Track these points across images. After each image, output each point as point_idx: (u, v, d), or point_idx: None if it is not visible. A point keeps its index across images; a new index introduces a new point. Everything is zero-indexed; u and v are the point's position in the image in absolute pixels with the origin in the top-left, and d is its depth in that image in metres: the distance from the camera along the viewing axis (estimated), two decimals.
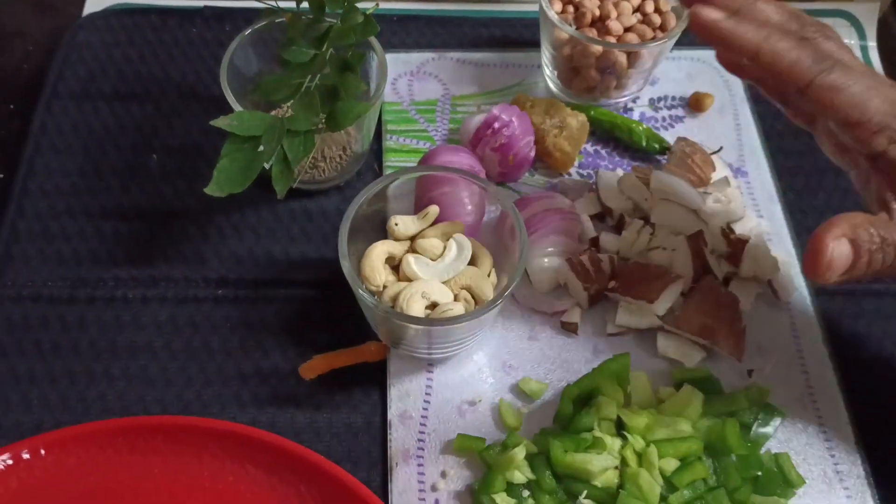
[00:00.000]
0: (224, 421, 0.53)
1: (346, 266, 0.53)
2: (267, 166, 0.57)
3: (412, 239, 0.59)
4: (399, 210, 0.60)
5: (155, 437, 0.52)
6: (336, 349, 0.59)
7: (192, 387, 0.59)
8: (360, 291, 0.53)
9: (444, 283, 0.56)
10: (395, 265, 0.58)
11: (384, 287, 0.56)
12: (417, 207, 0.61)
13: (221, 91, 0.61)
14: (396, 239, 0.58)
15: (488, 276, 0.58)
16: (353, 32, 0.60)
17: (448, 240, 0.58)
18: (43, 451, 0.51)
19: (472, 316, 0.53)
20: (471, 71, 0.76)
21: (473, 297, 0.57)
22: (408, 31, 0.78)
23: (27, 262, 0.63)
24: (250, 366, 0.60)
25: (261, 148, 0.57)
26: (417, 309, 0.54)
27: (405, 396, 0.58)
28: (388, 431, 0.57)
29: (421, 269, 0.56)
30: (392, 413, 0.58)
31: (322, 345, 0.60)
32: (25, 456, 0.51)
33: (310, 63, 0.60)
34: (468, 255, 0.57)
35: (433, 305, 0.55)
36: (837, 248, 0.46)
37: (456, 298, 0.56)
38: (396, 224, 0.58)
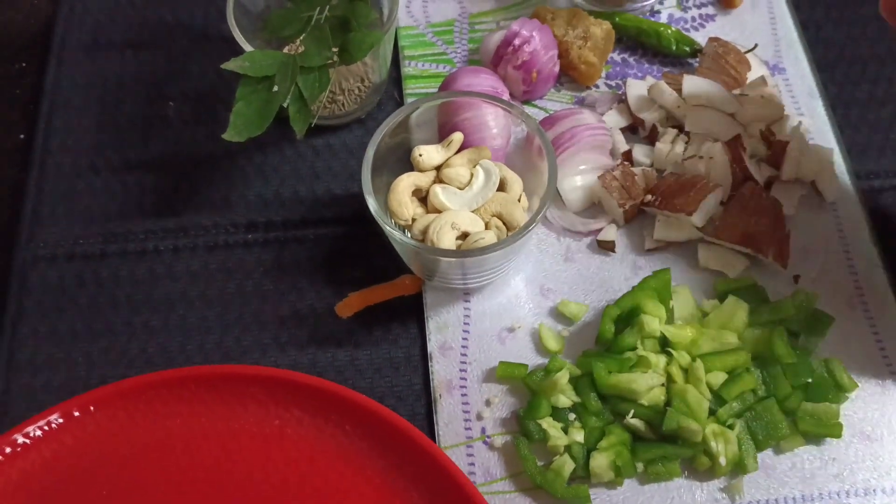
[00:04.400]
0: (266, 367, 0.53)
1: (371, 203, 0.52)
2: (285, 104, 0.56)
3: (438, 169, 0.57)
4: (423, 139, 0.58)
5: (200, 387, 0.52)
6: (370, 285, 0.59)
7: (231, 333, 0.59)
8: (388, 228, 0.52)
9: (473, 211, 0.55)
10: (422, 197, 0.57)
11: (413, 220, 0.55)
12: (441, 135, 0.59)
13: None
14: (421, 170, 0.56)
15: (518, 200, 0.56)
16: None
17: (475, 166, 0.56)
18: (92, 408, 0.52)
19: (504, 244, 0.51)
20: None
21: (505, 224, 0.55)
22: None
23: (56, 222, 0.63)
24: (287, 308, 0.60)
25: (275, 88, 0.56)
26: (448, 241, 0.53)
27: (444, 328, 0.58)
28: (430, 364, 0.57)
29: (449, 199, 0.55)
30: (432, 345, 0.57)
31: (356, 281, 0.59)
32: (76, 414, 0.52)
33: None
34: (496, 180, 0.56)
35: (464, 235, 0.54)
36: None
37: (487, 227, 0.55)
38: (420, 155, 0.56)
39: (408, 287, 0.59)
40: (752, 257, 0.59)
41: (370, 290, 0.59)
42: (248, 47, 0.58)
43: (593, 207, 0.62)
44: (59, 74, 0.70)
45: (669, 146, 0.62)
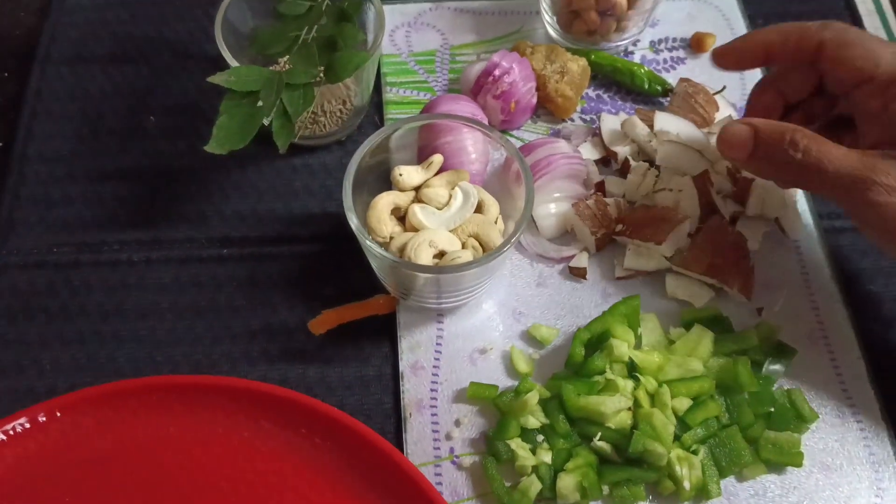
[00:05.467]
0: (236, 378, 0.53)
1: (352, 219, 0.53)
2: (266, 122, 0.57)
3: (417, 189, 0.58)
4: (402, 161, 0.59)
5: (169, 397, 0.52)
6: (344, 303, 0.59)
7: (201, 345, 0.59)
8: (368, 243, 0.52)
9: (451, 231, 0.56)
10: (401, 216, 0.58)
11: (391, 238, 0.56)
12: (421, 158, 0.60)
13: (216, 50, 0.60)
14: (401, 189, 0.57)
15: (495, 223, 0.57)
16: None
17: (453, 188, 0.57)
18: (59, 414, 0.51)
19: (481, 262, 0.52)
20: (469, 20, 0.75)
21: (481, 245, 0.56)
22: None
23: (31, 229, 0.63)
24: (259, 323, 0.60)
25: (259, 103, 0.56)
26: (425, 258, 0.54)
27: (416, 347, 0.58)
28: (401, 383, 0.57)
29: (427, 218, 0.56)
30: (403, 364, 0.58)
31: (330, 299, 0.60)
32: (42, 419, 0.51)
33: (306, 14, 0.59)
34: (474, 202, 0.57)
35: (441, 254, 0.55)
36: (737, 130, 0.54)
37: (464, 246, 0.56)
38: (401, 174, 0.57)
39: (382, 306, 0.59)
40: (717, 288, 0.61)
41: (344, 308, 0.59)
42: (234, 63, 0.59)
43: (566, 235, 0.63)
44: (42, 84, 0.70)
45: (641, 178, 0.63)
